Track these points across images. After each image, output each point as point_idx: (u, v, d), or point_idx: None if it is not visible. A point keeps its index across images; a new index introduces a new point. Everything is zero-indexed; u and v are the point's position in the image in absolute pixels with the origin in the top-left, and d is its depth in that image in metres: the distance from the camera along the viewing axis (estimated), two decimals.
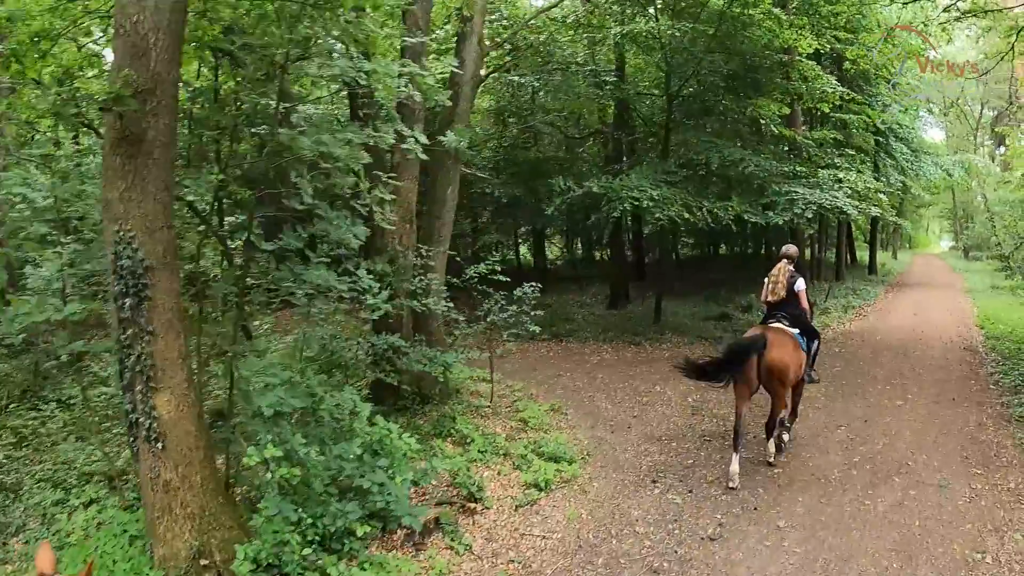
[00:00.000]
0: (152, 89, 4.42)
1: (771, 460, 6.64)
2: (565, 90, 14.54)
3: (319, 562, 4.85)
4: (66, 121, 5.49)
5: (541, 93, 16.52)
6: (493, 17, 12.87)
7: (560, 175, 11.85)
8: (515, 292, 8.26)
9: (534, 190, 14.82)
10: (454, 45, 9.95)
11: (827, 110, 16.06)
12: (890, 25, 16.44)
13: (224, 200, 6.65)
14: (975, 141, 40.99)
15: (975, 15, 13.87)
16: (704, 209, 10.88)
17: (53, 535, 5.39)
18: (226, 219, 7.15)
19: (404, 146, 5.57)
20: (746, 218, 11.38)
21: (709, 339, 12.88)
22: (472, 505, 6.13)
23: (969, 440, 7.13)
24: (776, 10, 11.92)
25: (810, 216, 11.82)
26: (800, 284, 6.83)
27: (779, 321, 6.76)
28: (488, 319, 8.23)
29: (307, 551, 4.80)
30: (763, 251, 23.94)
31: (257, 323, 8.69)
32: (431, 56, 14.13)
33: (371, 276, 6.81)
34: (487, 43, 9.38)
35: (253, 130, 6.04)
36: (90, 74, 6.72)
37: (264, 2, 5.35)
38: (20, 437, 7.22)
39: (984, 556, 4.87)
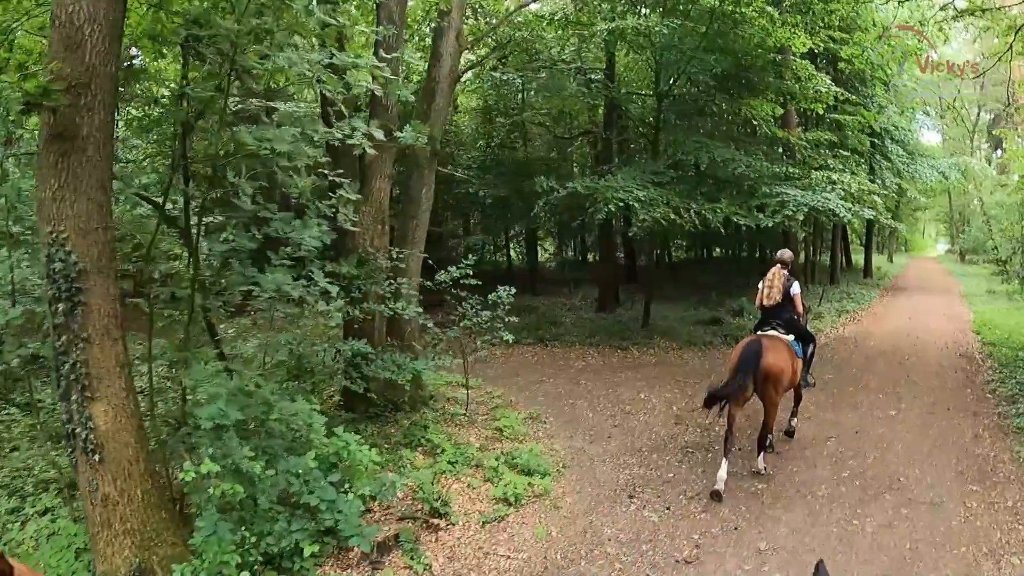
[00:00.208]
0: (87, 83, 4.20)
1: (762, 471, 6.36)
2: (553, 89, 14.19)
3: None
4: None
5: (531, 93, 16.21)
6: (471, 13, 12.52)
7: (547, 175, 11.47)
8: (490, 297, 7.90)
9: (521, 191, 14.45)
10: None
11: (821, 111, 15.75)
12: (886, 24, 16.17)
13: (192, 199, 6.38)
14: (971, 144, 40.72)
15: (972, 14, 13.59)
16: (692, 211, 10.50)
17: (4, 544, 5.17)
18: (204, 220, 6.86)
19: (351, 141, 5.17)
20: (735, 220, 11.00)
21: (698, 344, 12.53)
22: (436, 521, 5.78)
23: (964, 453, 6.78)
24: (769, 8, 11.58)
25: (801, 218, 11.46)
26: (795, 288, 6.80)
27: (774, 328, 6.72)
28: (462, 324, 7.85)
29: (245, 574, 4.44)
30: (757, 254, 23.63)
31: (223, 326, 8.33)
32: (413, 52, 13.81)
33: (331, 279, 6.47)
34: (466, 39, 9.01)
35: (200, 124, 5.69)
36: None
37: None
38: None
39: None
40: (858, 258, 29.06)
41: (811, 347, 7.15)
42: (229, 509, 5.12)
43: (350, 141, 5.07)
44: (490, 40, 12.30)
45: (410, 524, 5.82)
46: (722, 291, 17.76)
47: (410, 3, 10.28)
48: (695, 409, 8.54)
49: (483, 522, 5.76)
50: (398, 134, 5.95)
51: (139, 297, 6.13)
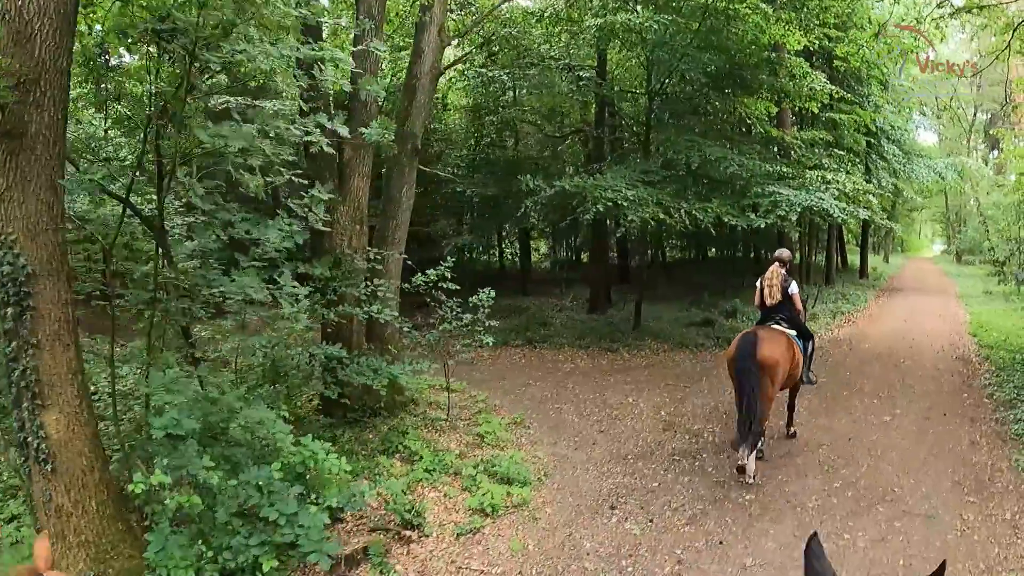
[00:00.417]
0: (36, 79, 4.05)
1: (750, 477, 6.08)
2: (543, 86, 13.94)
3: None
4: None
5: (523, 91, 15.94)
6: (456, 8, 12.26)
7: (534, 174, 11.20)
8: (471, 299, 7.64)
9: (510, 190, 14.19)
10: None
11: (816, 110, 15.52)
12: (882, 22, 15.94)
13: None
14: (968, 145, 40.57)
15: (969, 11, 13.38)
16: (682, 211, 10.23)
17: None
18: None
19: (307, 138, 4.90)
20: (726, 221, 10.74)
21: (690, 346, 12.28)
22: (408, 533, 5.53)
23: (961, 462, 6.52)
24: (763, 4, 11.33)
25: (794, 218, 11.21)
26: (793, 287, 6.84)
27: (776, 323, 6.75)
28: (440, 328, 7.59)
29: None
30: (752, 255, 23.41)
31: (198, 328, 8.05)
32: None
33: (308, 282, 6.23)
34: (448, 34, 8.74)
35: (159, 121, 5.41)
36: None
37: None
38: None
39: None
40: (854, 258, 28.85)
41: (811, 345, 7.18)
42: (188, 521, 4.89)
43: (307, 138, 4.79)
44: (477, 36, 12.02)
45: (381, 536, 5.57)
46: (716, 292, 17.53)
47: None
48: (684, 414, 8.32)
49: (458, 534, 5.51)
50: (363, 130, 5.68)
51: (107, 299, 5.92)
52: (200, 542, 4.56)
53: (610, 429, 7.91)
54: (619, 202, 9.79)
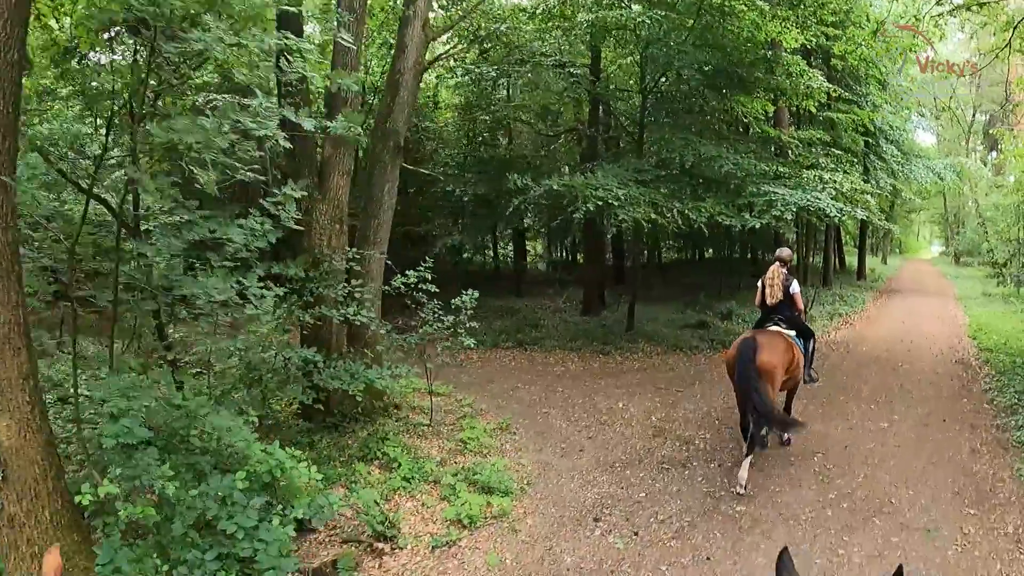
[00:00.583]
0: None
1: (785, 440, 6.75)
2: (536, 85, 13.70)
3: None
4: None
5: (516, 89, 15.69)
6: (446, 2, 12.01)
7: (526, 173, 10.94)
8: (453, 301, 7.39)
9: (503, 190, 13.94)
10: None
11: (813, 109, 15.28)
12: (881, 20, 15.70)
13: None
14: (967, 146, 40.37)
15: (969, 8, 13.16)
16: (675, 211, 9.96)
17: None
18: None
19: (259, 131, 4.62)
20: (720, 221, 10.47)
21: (684, 349, 12.02)
22: (380, 545, 5.27)
23: (961, 471, 6.26)
24: (760, 2, 11.09)
25: (790, 218, 10.94)
26: (794, 287, 6.87)
27: (776, 324, 6.74)
28: (421, 331, 7.32)
29: None
30: (748, 255, 23.17)
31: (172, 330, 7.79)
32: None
33: (285, 283, 5.97)
34: (433, 29, 8.47)
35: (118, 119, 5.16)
36: None
37: None
38: None
39: None
40: (851, 260, 28.63)
41: (812, 343, 7.17)
42: (145, 533, 4.65)
43: (256, 132, 4.51)
44: (466, 32, 11.75)
45: (353, 548, 5.32)
46: (712, 293, 17.28)
47: None
48: (675, 420, 8.06)
49: (433, 546, 5.25)
50: (328, 124, 5.42)
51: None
52: (156, 555, 4.31)
53: (598, 435, 7.65)
54: (610, 201, 9.53)
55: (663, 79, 13.20)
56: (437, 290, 7.20)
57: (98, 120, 7.43)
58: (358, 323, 6.67)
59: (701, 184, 12.19)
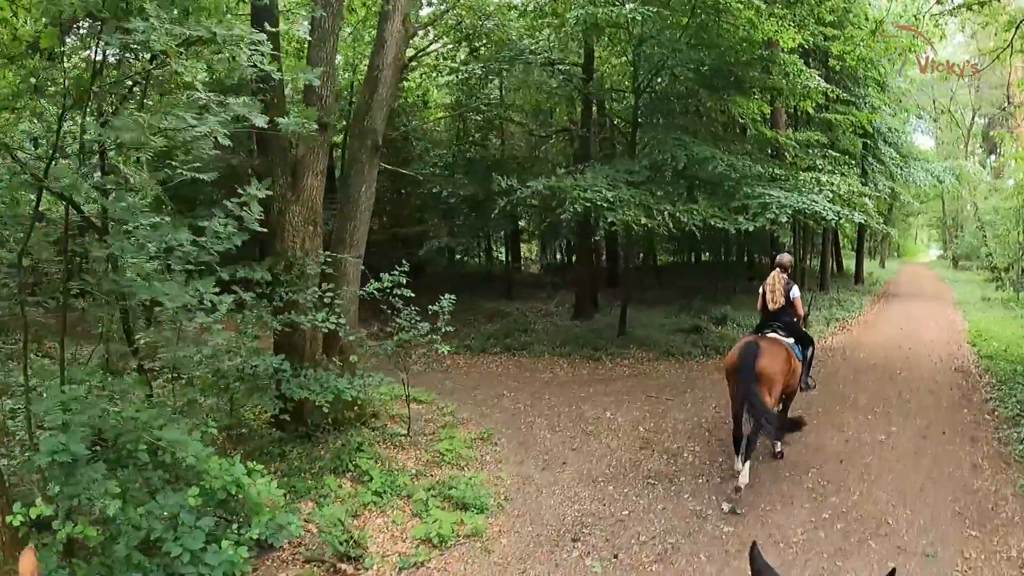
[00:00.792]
0: None
1: (778, 453, 6.64)
2: (527, 84, 13.40)
3: None
4: None
5: (507, 89, 15.38)
6: None
7: (512, 174, 10.61)
8: (430, 307, 7.08)
9: (490, 191, 13.64)
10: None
11: (811, 109, 15.00)
12: (879, 19, 15.43)
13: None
14: (966, 149, 40.12)
15: (970, 8, 12.88)
16: (665, 213, 9.63)
17: None
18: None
19: (199, 129, 4.29)
20: (712, 223, 10.14)
21: (676, 355, 11.69)
22: (344, 566, 4.95)
23: (962, 488, 5.94)
24: None
25: (785, 220, 10.62)
26: (795, 292, 6.81)
27: (774, 331, 6.66)
28: (396, 338, 7.00)
29: None
30: (745, 259, 22.89)
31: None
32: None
33: (238, 288, 5.65)
34: (413, 23, 8.15)
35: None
36: None
37: None
38: None
39: None
40: (849, 263, 28.35)
41: (810, 350, 7.09)
42: (90, 555, 4.34)
43: (198, 129, 4.19)
44: (451, 28, 11.43)
45: (315, 568, 5.00)
46: (707, 297, 16.97)
47: None
48: (664, 430, 7.74)
49: (400, 567, 4.93)
50: (280, 120, 5.09)
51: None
52: None
53: (583, 446, 7.32)
54: (598, 203, 9.21)
55: (657, 79, 12.90)
56: (413, 295, 6.88)
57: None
58: (326, 330, 6.33)
59: (695, 186, 11.89)
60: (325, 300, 6.35)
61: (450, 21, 11.22)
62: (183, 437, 4.72)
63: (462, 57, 13.93)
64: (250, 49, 4.69)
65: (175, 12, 4.27)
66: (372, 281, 6.87)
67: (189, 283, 5.05)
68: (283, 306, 6.50)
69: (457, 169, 15.04)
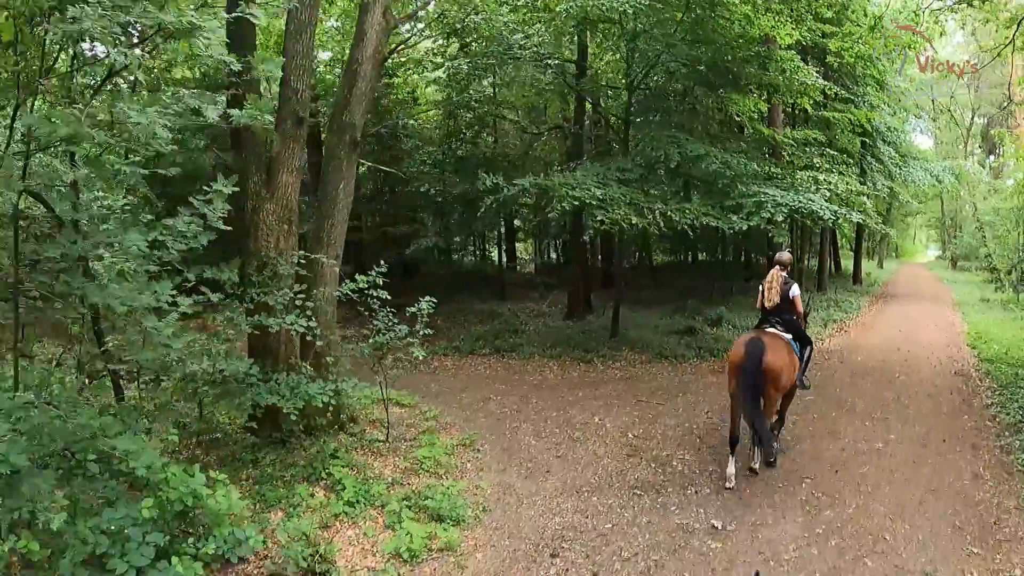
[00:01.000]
0: None
1: (755, 468, 6.29)
2: (518, 80, 13.11)
3: None
4: None
5: (500, 86, 15.08)
6: None
7: (499, 172, 10.32)
8: (408, 310, 6.80)
9: (479, 190, 13.37)
10: None
11: (808, 107, 14.71)
12: (878, 16, 15.17)
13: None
14: (965, 149, 39.87)
15: (971, 4, 12.63)
16: (656, 212, 9.33)
17: None
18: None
19: (137, 120, 3.99)
20: (705, 223, 9.85)
21: (669, 357, 11.40)
22: None
23: (963, 501, 5.66)
24: None
25: (780, 220, 10.33)
26: (794, 290, 6.71)
27: (773, 327, 6.58)
28: (371, 341, 6.72)
29: None
30: (742, 258, 22.62)
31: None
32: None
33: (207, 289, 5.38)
34: (395, 15, 7.86)
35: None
36: None
37: None
38: None
39: None
40: (847, 263, 28.08)
41: (808, 350, 7.00)
42: (37, 569, 4.08)
43: (133, 120, 3.90)
44: (432, 18, 11.12)
45: None
46: (703, 297, 16.69)
47: None
48: (653, 437, 7.46)
49: None
50: (233, 112, 4.80)
51: None
52: None
53: (569, 454, 7.04)
54: (587, 201, 8.92)
55: (652, 75, 12.62)
56: (389, 296, 6.59)
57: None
58: (295, 332, 6.03)
59: (690, 184, 11.61)
60: (296, 302, 6.06)
61: (433, 14, 10.89)
62: (134, 447, 4.45)
63: (452, 52, 13.63)
64: (205, 38, 4.41)
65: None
66: (346, 282, 6.58)
67: (150, 284, 4.80)
68: (254, 308, 6.22)
69: (447, 167, 14.73)
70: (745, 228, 9.72)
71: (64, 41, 4.08)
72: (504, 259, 21.32)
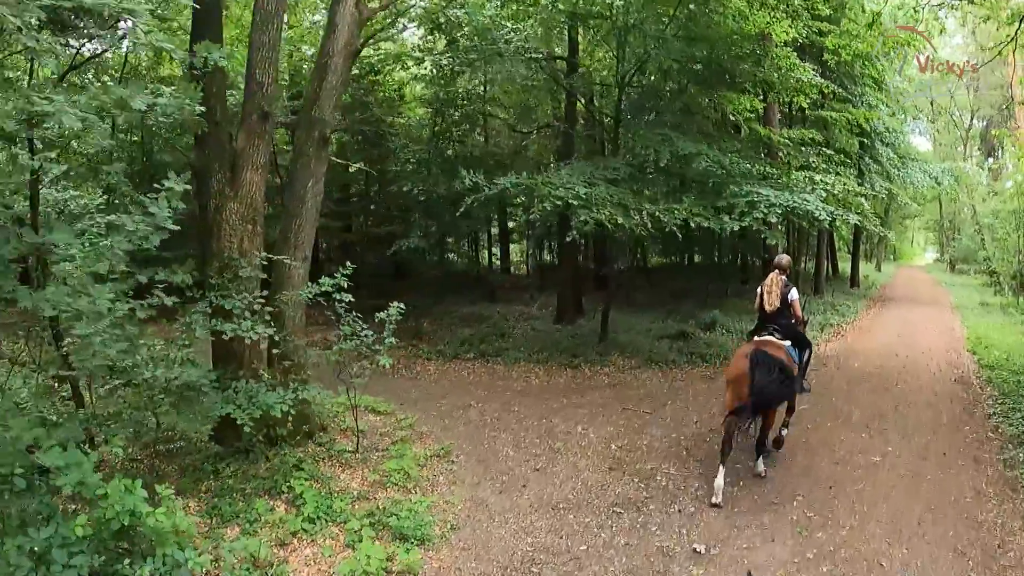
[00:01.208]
0: None
1: (762, 474, 6.20)
2: (507, 78, 12.74)
3: None
4: None
5: (489, 84, 14.73)
6: None
7: (479, 171, 9.94)
8: (378, 315, 6.44)
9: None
10: None
11: (805, 105, 14.36)
12: (876, 13, 14.86)
13: None
14: (964, 151, 39.56)
15: (972, 1, 12.32)
16: (644, 212, 8.96)
17: None
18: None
19: (50, 109, 3.62)
20: (695, 223, 9.47)
21: (660, 363, 11.02)
22: None
23: (965, 521, 5.29)
24: None
25: (774, 221, 9.96)
26: (793, 294, 6.69)
27: (770, 334, 6.53)
28: (336, 347, 6.35)
29: None
30: (738, 260, 22.27)
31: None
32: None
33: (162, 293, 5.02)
34: (368, 7, 7.48)
35: None
36: None
37: None
38: None
39: None
40: (845, 266, 27.72)
41: (807, 353, 6.95)
42: None
43: (47, 109, 3.53)
44: (405, 8, 10.74)
45: None
46: (697, 300, 16.33)
47: None
48: (638, 448, 7.09)
49: None
50: (159, 100, 4.42)
51: None
52: None
53: (548, 466, 6.66)
54: (570, 201, 8.56)
55: (644, 72, 12.28)
56: (352, 299, 6.22)
57: None
58: (249, 340, 5.65)
59: (682, 184, 11.24)
60: (255, 306, 5.68)
61: (410, 6, 10.51)
62: (62, 461, 4.08)
63: (440, 48, 13.27)
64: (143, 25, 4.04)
65: None
66: (309, 284, 6.21)
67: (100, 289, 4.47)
68: (212, 312, 5.85)
69: (433, 166, 14.35)
70: (737, 229, 9.35)
71: None
72: (497, 260, 20.96)
